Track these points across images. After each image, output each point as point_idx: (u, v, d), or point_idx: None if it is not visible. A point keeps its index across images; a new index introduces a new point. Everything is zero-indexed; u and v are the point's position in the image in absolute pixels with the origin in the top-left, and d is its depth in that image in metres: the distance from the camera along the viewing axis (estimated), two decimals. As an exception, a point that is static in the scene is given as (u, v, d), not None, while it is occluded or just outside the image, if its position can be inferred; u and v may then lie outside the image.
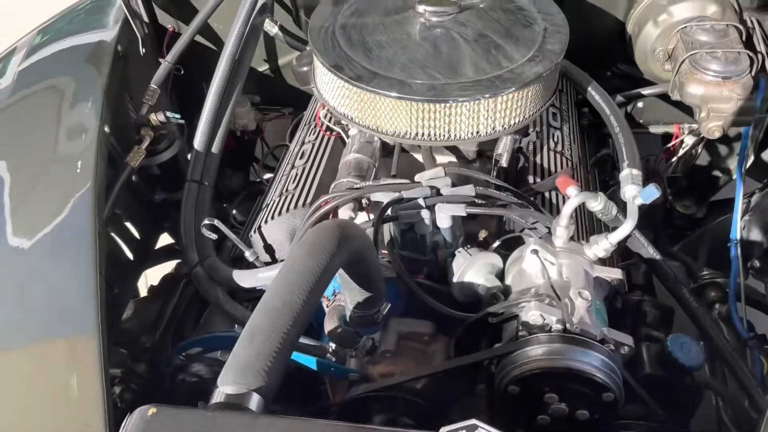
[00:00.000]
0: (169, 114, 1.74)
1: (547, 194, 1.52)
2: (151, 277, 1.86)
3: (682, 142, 2.02)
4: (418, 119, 1.37)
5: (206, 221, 1.44)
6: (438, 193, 1.36)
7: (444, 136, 1.40)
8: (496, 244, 1.38)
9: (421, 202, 1.34)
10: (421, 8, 1.49)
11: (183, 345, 1.45)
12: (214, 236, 1.48)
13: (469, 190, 1.36)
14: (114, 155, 1.61)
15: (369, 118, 1.42)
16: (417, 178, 1.41)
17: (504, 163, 1.48)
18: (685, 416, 1.28)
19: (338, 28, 1.51)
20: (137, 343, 1.60)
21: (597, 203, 1.26)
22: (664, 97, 1.79)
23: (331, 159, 1.63)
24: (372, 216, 1.44)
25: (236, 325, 1.48)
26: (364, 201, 1.44)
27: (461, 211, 1.32)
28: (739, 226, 1.63)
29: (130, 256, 1.74)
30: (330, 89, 1.47)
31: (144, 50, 1.94)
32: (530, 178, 1.55)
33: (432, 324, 1.38)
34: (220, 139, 1.75)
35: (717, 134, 1.55)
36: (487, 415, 1.30)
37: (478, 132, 1.40)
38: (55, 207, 1.37)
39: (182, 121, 1.79)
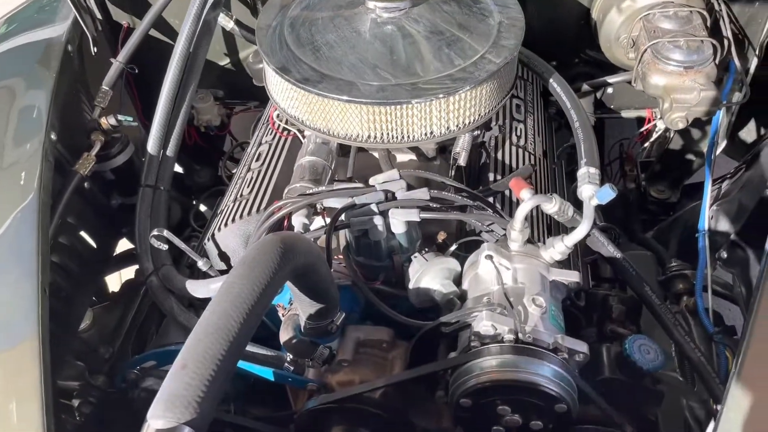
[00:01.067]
0: (120, 117, 1.69)
1: (507, 192, 1.48)
2: (114, 283, 1.82)
3: (655, 126, 1.99)
4: (370, 122, 1.33)
5: (155, 232, 1.40)
6: (392, 197, 1.32)
7: (397, 138, 1.36)
8: (453, 247, 1.35)
9: (374, 207, 1.30)
10: (371, 3, 1.43)
11: (137, 358, 1.41)
12: (164, 246, 1.44)
13: (423, 193, 1.32)
14: (62, 163, 1.56)
15: (319, 121, 1.37)
16: (371, 181, 1.37)
17: (462, 162, 1.44)
18: (647, 418, 1.26)
19: (287, 27, 1.46)
20: (96, 354, 1.57)
21: (551, 206, 1.23)
22: (633, 82, 1.75)
23: (287, 161, 1.59)
24: (327, 221, 1.41)
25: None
26: (318, 206, 1.40)
27: (415, 216, 1.28)
28: (708, 216, 1.60)
29: (84, 264, 1.69)
30: (279, 91, 1.42)
31: (96, 49, 1.88)
32: (491, 176, 1.51)
33: (390, 330, 1.35)
34: (174, 142, 1.70)
35: (680, 125, 1.51)
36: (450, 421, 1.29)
37: (432, 133, 1.36)
38: (-2, 220, 1.33)
39: (135, 124, 1.74)
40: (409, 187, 1.34)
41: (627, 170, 2.12)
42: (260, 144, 1.67)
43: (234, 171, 1.79)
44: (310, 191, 1.37)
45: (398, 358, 1.34)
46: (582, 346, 1.14)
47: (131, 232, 1.84)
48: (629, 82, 1.79)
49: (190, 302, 1.50)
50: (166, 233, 1.39)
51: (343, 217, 1.31)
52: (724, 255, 1.59)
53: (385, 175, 1.37)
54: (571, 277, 1.25)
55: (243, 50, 2.11)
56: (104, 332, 1.64)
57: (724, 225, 1.63)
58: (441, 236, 1.42)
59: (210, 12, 1.74)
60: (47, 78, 1.62)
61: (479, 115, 1.39)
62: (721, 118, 1.69)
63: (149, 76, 1.88)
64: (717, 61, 1.49)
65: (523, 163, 1.58)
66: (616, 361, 1.25)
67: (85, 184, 1.64)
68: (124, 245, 1.88)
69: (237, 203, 1.51)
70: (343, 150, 1.56)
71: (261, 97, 2.24)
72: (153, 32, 1.95)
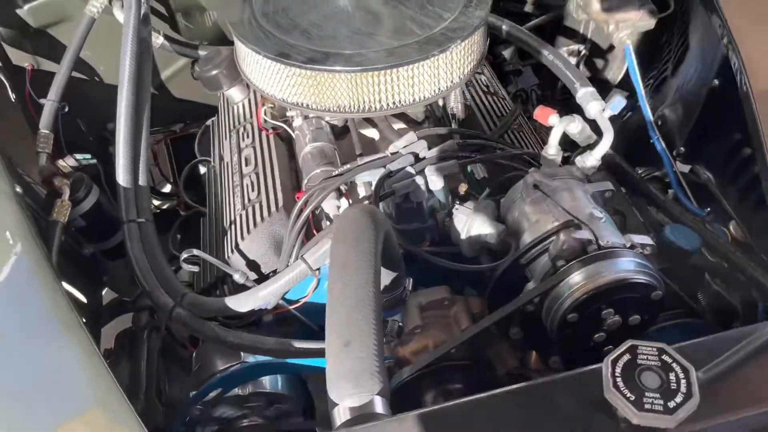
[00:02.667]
0: (78, 156, 1.54)
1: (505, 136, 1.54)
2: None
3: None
4: (382, 89, 1.32)
5: (184, 255, 1.30)
6: (421, 157, 1.34)
7: (408, 100, 1.36)
8: (487, 191, 1.39)
9: (410, 170, 1.30)
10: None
11: (196, 394, 1.30)
12: (195, 268, 1.34)
13: (450, 146, 1.35)
14: (36, 216, 1.39)
15: (329, 99, 1.34)
16: (391, 149, 1.37)
17: (461, 114, 1.48)
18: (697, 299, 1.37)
19: (261, 18, 1.41)
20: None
21: (576, 125, 1.31)
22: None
23: (280, 156, 1.53)
24: (351, 201, 1.39)
25: (242, 354, 1.37)
26: (343, 187, 1.37)
27: (454, 167, 1.31)
28: (652, 119, 1.75)
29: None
30: (276, 81, 1.37)
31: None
32: (483, 122, 1.56)
33: (446, 287, 1.36)
34: (144, 169, 1.57)
35: (628, 42, 1.67)
36: (520, 355, 1.33)
37: (439, 89, 1.38)
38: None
39: (94, 161, 1.59)
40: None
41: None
42: (240, 150, 1.59)
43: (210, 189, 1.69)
44: (336, 172, 1.35)
45: (461, 311, 1.35)
46: (647, 240, 1.23)
47: (113, 280, 1.70)
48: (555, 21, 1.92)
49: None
50: (196, 252, 1.30)
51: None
52: (683, 150, 1.76)
53: (405, 139, 1.38)
54: (606, 186, 1.34)
55: (166, 69, 2.00)
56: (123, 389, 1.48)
57: (673, 123, 1.80)
58: (462, 188, 1.44)
59: (143, 28, 1.63)
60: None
61: (474, 63, 1.43)
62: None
63: (74, 111, 1.73)
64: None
65: (500, 108, 1.65)
66: (660, 252, 1.35)
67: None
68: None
69: (249, 209, 1.43)
70: (334, 133, 1.54)
71: (188, 117, 2.14)
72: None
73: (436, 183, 1.32)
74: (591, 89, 1.40)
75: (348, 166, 1.35)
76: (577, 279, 1.14)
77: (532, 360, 1.33)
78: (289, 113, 1.51)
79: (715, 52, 1.62)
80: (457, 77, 1.40)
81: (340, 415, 0.83)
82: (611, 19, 1.65)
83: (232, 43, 1.98)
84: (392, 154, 1.37)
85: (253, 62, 1.39)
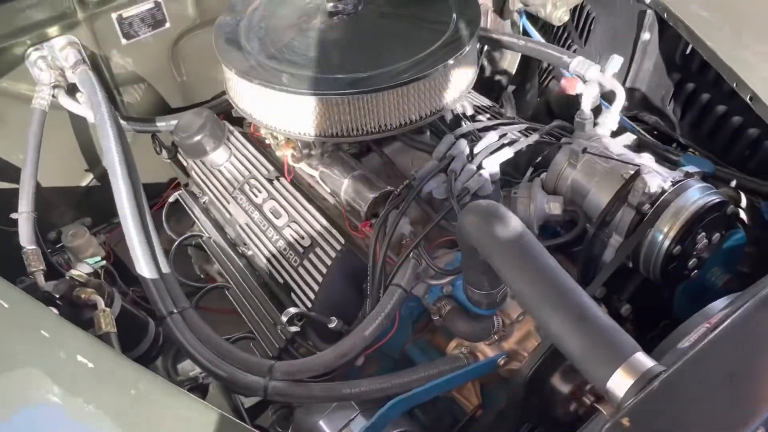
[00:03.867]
0: (89, 261, 1.36)
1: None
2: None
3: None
4: (401, 104, 1.34)
5: (285, 315, 1.20)
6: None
7: (435, 108, 1.39)
8: (530, 171, 1.45)
9: (472, 167, 1.33)
10: (330, 6, 1.42)
11: None
12: (296, 328, 1.24)
13: (493, 135, 1.40)
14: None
15: (371, 121, 1.33)
16: (436, 154, 1.39)
17: (471, 110, 1.54)
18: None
19: (270, 60, 1.36)
20: None
21: (596, 89, 1.42)
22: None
23: (307, 199, 1.48)
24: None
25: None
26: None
27: (509, 153, 1.35)
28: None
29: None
30: (307, 116, 1.32)
31: None
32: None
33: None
34: (161, 256, 1.43)
35: (566, 18, 1.83)
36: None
37: (440, 108, 1.42)
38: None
39: (104, 263, 1.41)
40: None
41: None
42: (258, 206, 1.51)
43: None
44: (400, 189, 1.33)
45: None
46: (697, 168, 1.36)
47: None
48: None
49: None
50: (294, 310, 1.21)
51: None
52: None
53: (444, 144, 1.40)
54: (630, 138, 1.47)
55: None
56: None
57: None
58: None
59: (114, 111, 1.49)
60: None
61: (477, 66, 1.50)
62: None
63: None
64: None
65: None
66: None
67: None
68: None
69: (310, 256, 1.37)
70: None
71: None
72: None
73: (496, 174, 1.36)
74: (580, 57, 1.52)
75: (407, 181, 1.34)
76: (669, 215, 1.24)
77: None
78: (313, 151, 1.46)
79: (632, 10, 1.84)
80: (471, 77, 1.45)
81: (619, 385, 0.82)
82: (548, 1, 1.81)
83: (171, 111, 1.88)
84: (439, 160, 1.38)
85: (276, 104, 1.33)
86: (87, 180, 1.84)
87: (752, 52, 1.53)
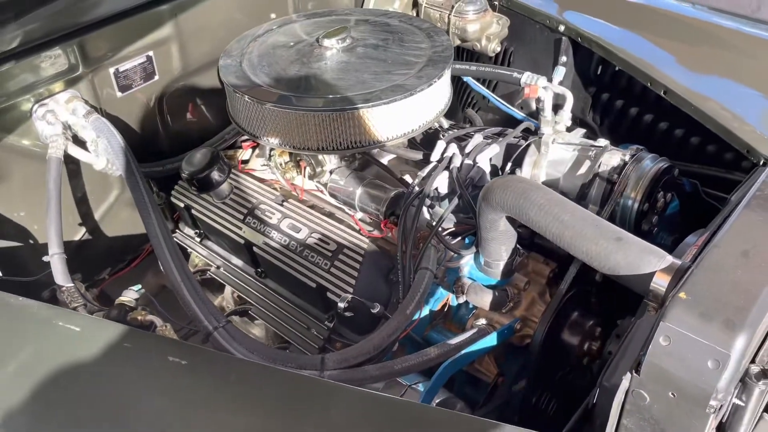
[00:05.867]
0: (134, 288, 1.43)
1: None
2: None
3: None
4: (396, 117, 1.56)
5: (342, 301, 1.35)
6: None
7: (432, 117, 1.63)
8: (509, 167, 1.70)
9: (469, 161, 1.57)
10: (327, 42, 1.64)
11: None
12: (350, 313, 1.39)
13: (479, 136, 1.65)
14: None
15: (372, 134, 1.55)
16: (433, 158, 1.61)
17: (446, 125, 1.79)
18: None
19: (276, 84, 1.55)
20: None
21: (552, 92, 1.71)
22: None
23: (319, 209, 1.65)
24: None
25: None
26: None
27: (496, 148, 1.61)
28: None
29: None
30: (321, 133, 1.52)
31: None
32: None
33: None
34: (193, 277, 1.52)
35: (498, 49, 2.16)
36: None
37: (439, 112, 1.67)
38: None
39: (143, 290, 1.47)
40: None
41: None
42: (276, 228, 1.64)
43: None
44: (412, 187, 1.53)
45: (535, 263, 1.63)
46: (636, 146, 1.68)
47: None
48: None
49: None
50: (348, 296, 1.36)
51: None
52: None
53: (438, 148, 1.63)
54: (581, 131, 1.77)
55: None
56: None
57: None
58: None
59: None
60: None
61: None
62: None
63: None
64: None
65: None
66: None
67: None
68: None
69: (340, 258, 1.52)
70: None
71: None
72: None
73: (488, 166, 1.60)
74: (528, 72, 1.82)
75: (417, 180, 1.55)
76: (635, 179, 1.53)
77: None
78: (325, 167, 1.63)
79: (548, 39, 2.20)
80: (450, 94, 1.71)
81: (660, 284, 1.06)
82: (483, 36, 2.13)
83: (159, 158, 1.98)
84: (438, 161, 1.61)
85: (293, 124, 1.50)
86: (80, 235, 1.87)
87: (656, 57, 1.91)
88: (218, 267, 1.80)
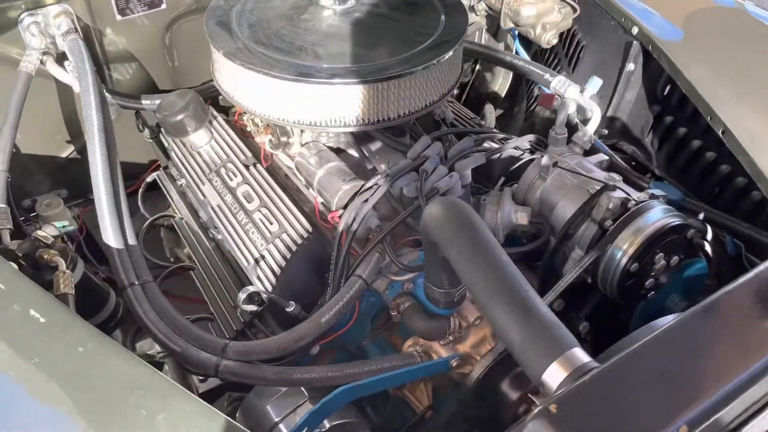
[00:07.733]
0: (57, 224, 1.36)
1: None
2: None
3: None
4: (389, 97, 1.36)
5: (242, 295, 1.21)
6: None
7: (418, 107, 1.42)
8: (502, 180, 1.47)
9: (443, 169, 1.36)
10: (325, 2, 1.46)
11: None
12: (252, 307, 1.25)
13: (467, 142, 1.42)
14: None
15: (336, 113, 1.37)
16: (411, 153, 1.41)
17: (451, 117, 1.57)
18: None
19: (258, 45, 1.39)
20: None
21: (573, 106, 1.45)
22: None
23: (281, 186, 1.50)
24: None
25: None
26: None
27: (482, 159, 1.38)
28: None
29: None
30: (293, 103, 1.35)
31: None
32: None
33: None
34: (130, 228, 1.44)
35: (554, 41, 1.88)
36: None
37: (426, 104, 1.45)
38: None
39: (72, 228, 1.41)
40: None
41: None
42: (232, 190, 1.52)
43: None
44: (371, 183, 1.35)
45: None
46: (660, 192, 1.39)
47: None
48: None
49: None
50: (252, 288, 1.22)
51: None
52: (605, 132, 2.00)
53: (420, 144, 1.42)
54: (602, 157, 1.50)
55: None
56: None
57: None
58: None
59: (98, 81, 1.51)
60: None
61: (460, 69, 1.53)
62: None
63: None
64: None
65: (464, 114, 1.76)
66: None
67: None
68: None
69: (276, 241, 1.38)
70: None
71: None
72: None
73: (467, 177, 1.38)
74: (562, 77, 1.56)
75: (379, 176, 1.36)
76: (629, 232, 1.26)
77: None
78: (291, 139, 1.48)
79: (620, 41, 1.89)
80: (452, 83, 1.49)
81: (553, 377, 0.84)
82: (538, 23, 1.85)
83: (160, 91, 1.90)
84: (413, 159, 1.40)
85: (264, 88, 1.35)
86: (67, 152, 1.85)
87: (727, 88, 1.58)
88: (181, 218, 1.71)
